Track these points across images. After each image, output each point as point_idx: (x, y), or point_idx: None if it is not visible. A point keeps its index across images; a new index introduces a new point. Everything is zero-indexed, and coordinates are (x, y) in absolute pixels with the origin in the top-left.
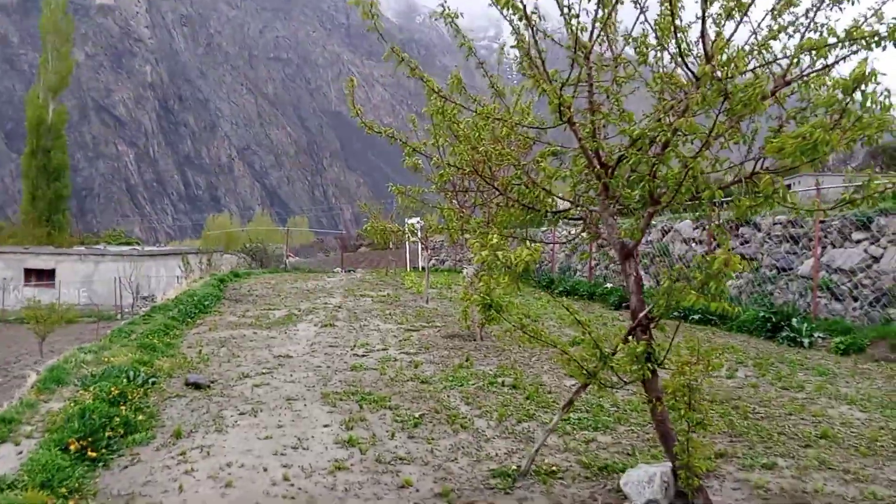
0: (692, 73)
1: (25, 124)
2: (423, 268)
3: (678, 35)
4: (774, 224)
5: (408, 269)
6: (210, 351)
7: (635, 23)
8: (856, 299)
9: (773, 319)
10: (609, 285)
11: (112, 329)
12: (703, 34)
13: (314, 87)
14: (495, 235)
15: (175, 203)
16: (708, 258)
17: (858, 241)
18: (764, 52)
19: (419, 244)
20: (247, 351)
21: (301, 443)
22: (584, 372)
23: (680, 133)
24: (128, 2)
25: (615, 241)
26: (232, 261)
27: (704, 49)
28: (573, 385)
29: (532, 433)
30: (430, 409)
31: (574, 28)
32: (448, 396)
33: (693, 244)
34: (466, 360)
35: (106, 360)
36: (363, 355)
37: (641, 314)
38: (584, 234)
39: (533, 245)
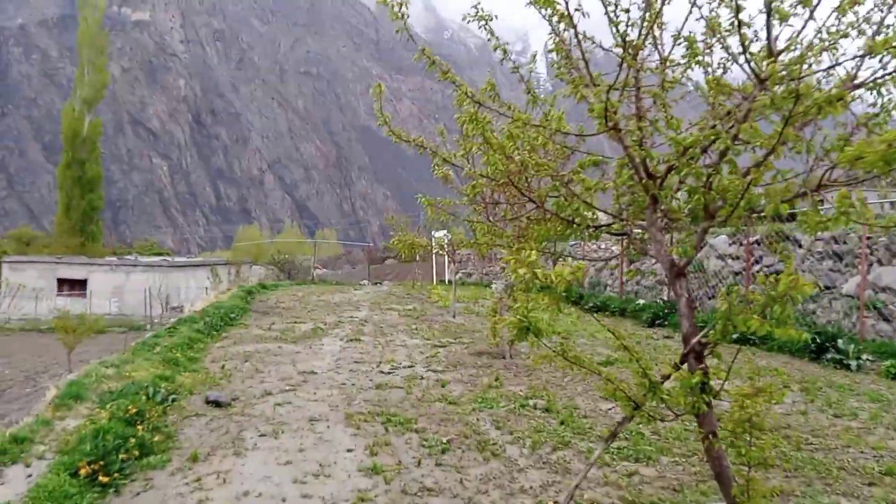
0: (754, 73)
1: (61, 136)
2: (449, 281)
3: (742, 30)
4: (816, 240)
5: (434, 283)
6: (233, 366)
7: (686, 20)
8: None
9: (818, 340)
10: (641, 302)
11: (136, 342)
12: (769, 29)
13: (343, 102)
14: (532, 251)
15: (207, 215)
16: (772, 279)
17: None
18: (832, 51)
19: (446, 257)
20: (271, 366)
21: (323, 469)
22: (631, 402)
23: (740, 141)
24: (163, 17)
25: (665, 259)
26: (260, 272)
27: (769, 46)
28: (610, 409)
29: (568, 463)
30: (459, 433)
31: (622, 25)
32: (477, 420)
33: (729, 260)
34: (496, 380)
35: (127, 374)
36: (389, 372)
37: (694, 339)
38: (617, 250)
39: (575, 262)
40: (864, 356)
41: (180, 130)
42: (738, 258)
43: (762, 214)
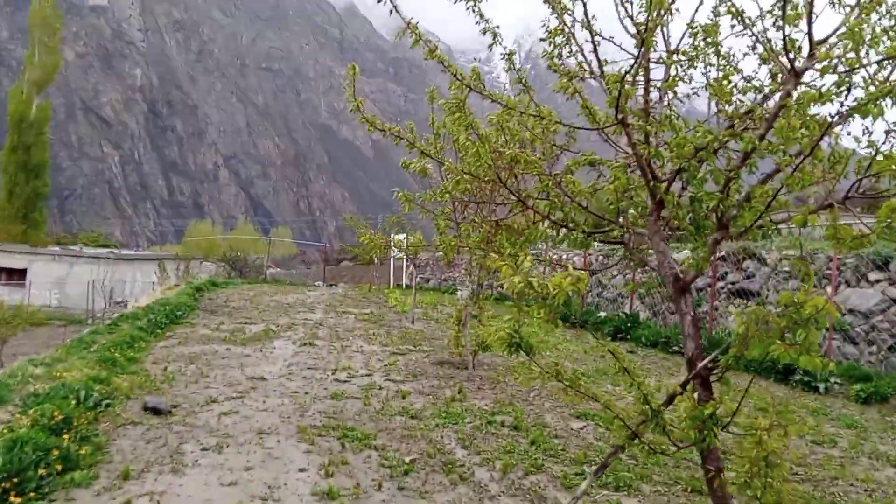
0: (790, 64)
1: (7, 119)
2: (407, 285)
3: (786, 9)
4: (781, 259)
5: (391, 286)
6: (177, 368)
7: (697, 8)
8: (871, 343)
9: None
10: (603, 314)
11: (72, 339)
12: (810, 17)
13: (304, 100)
14: (527, 257)
15: (158, 208)
16: (797, 300)
17: (876, 282)
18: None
19: (404, 261)
20: (217, 370)
21: (272, 492)
22: (628, 431)
23: (766, 141)
24: (121, 3)
25: (668, 272)
26: (211, 269)
27: (810, 35)
28: (582, 428)
29: (543, 490)
30: (422, 451)
31: (635, 5)
32: (441, 437)
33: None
34: (459, 392)
35: (58, 375)
36: (345, 381)
37: (701, 364)
38: (579, 261)
39: (577, 271)
40: (833, 379)
41: (134, 120)
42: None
43: (778, 226)
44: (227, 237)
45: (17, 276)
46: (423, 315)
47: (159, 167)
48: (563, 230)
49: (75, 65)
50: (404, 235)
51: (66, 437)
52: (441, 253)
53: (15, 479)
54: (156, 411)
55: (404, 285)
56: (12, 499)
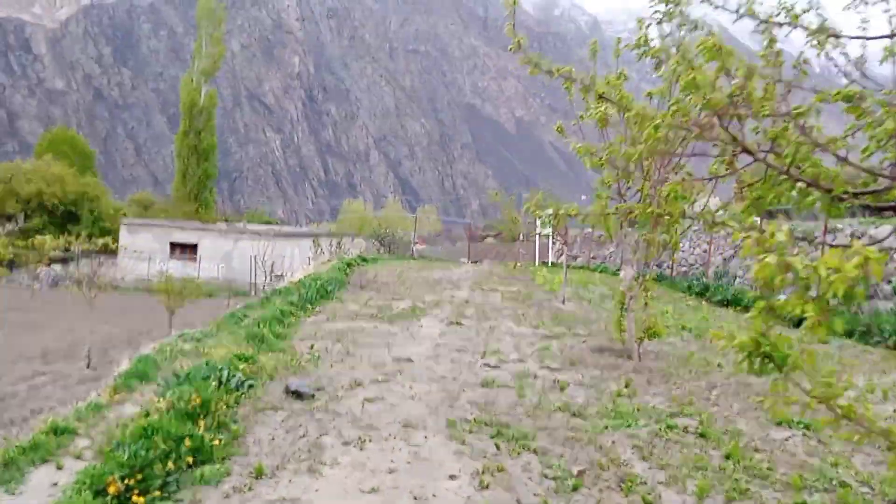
0: None
1: (180, 106)
2: (553, 263)
3: None
4: None
5: (537, 264)
6: (323, 346)
7: None
8: None
9: None
10: (782, 296)
11: (224, 313)
12: None
13: (449, 80)
14: (784, 229)
15: (315, 188)
16: None
17: None
18: None
19: (550, 238)
20: (364, 349)
21: None
22: None
23: None
24: None
25: None
26: (361, 245)
27: None
28: (787, 439)
29: None
30: (591, 461)
31: None
32: (613, 442)
33: None
34: (626, 386)
35: (205, 351)
36: (495, 366)
37: None
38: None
39: (873, 247)
40: None
41: (293, 106)
42: None
43: None
44: (377, 215)
45: (189, 250)
46: (574, 295)
47: (316, 149)
48: (813, 193)
49: (240, 55)
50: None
51: (201, 423)
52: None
53: (139, 476)
54: (298, 395)
55: (550, 263)
56: (135, 498)
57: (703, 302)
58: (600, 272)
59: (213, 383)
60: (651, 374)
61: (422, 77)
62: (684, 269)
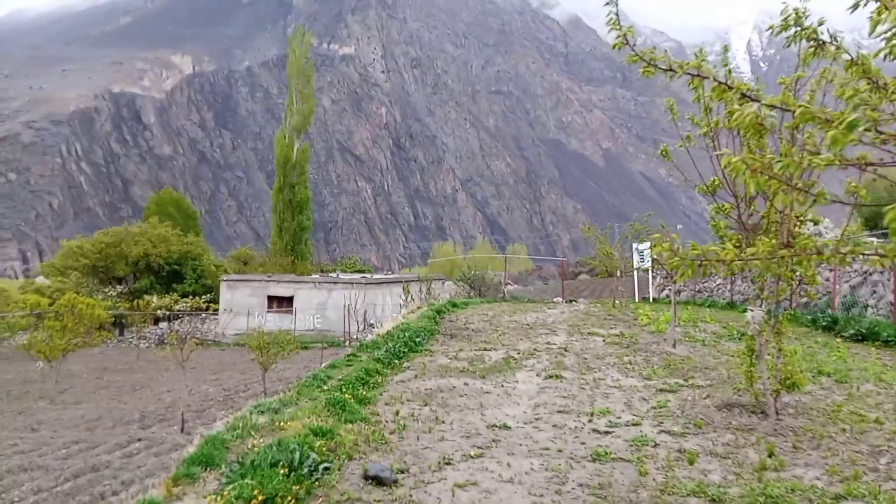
0: None
1: (274, 162)
2: (654, 298)
3: None
4: None
5: (637, 301)
6: (410, 412)
7: None
8: None
9: None
10: None
11: (308, 373)
12: None
13: (533, 118)
14: None
15: (406, 233)
16: None
17: None
18: None
19: (650, 272)
20: (454, 413)
21: None
22: None
23: None
24: (366, 50)
25: None
26: (452, 289)
27: None
28: None
29: None
30: None
31: None
32: None
33: None
34: (770, 456)
35: (280, 426)
36: (606, 432)
37: None
38: None
39: None
40: None
41: (382, 155)
42: None
43: None
44: (467, 256)
45: (285, 303)
46: (684, 335)
47: (405, 195)
48: None
49: (331, 110)
50: (647, 245)
51: None
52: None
53: None
54: (378, 481)
55: (651, 299)
56: None
57: (836, 338)
58: (708, 307)
59: (283, 470)
60: (796, 437)
61: (505, 117)
62: (805, 299)
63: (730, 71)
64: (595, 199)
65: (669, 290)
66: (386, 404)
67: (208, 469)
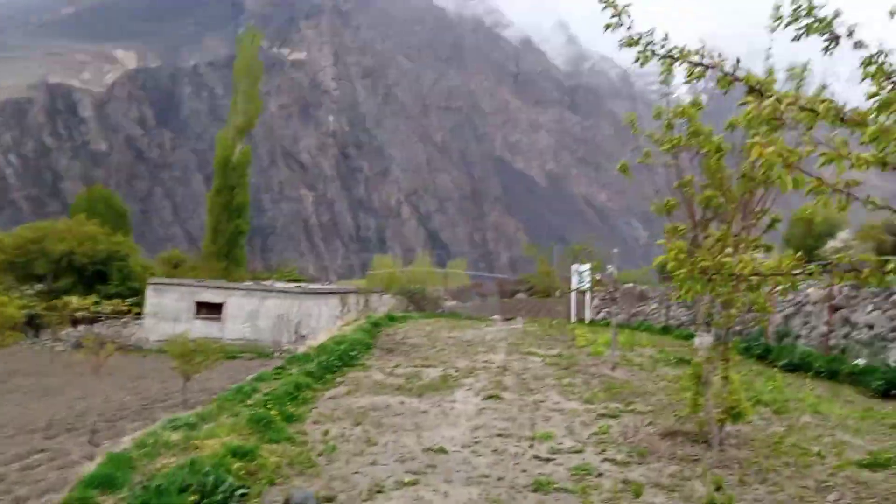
0: None
1: (213, 163)
2: (592, 320)
3: None
4: None
5: (573, 321)
6: (340, 432)
7: None
8: None
9: None
10: (861, 362)
11: (231, 386)
12: None
13: (481, 134)
14: None
15: (346, 243)
16: None
17: None
18: None
19: (587, 294)
20: (388, 434)
21: None
22: None
23: None
24: (317, 56)
25: None
26: (390, 302)
27: None
28: None
29: None
30: None
31: None
32: None
33: None
34: (717, 490)
35: (195, 444)
36: (548, 458)
37: None
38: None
39: None
40: None
41: (327, 163)
42: None
43: None
44: (406, 270)
45: (215, 310)
46: (622, 359)
47: (348, 205)
48: None
49: (277, 115)
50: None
51: None
52: (676, 285)
53: None
54: None
55: (587, 320)
56: None
57: (769, 367)
58: (644, 330)
59: (192, 498)
60: (742, 470)
61: (454, 132)
62: (738, 327)
63: (738, 61)
64: (536, 218)
65: (607, 312)
66: (315, 423)
67: (108, 492)
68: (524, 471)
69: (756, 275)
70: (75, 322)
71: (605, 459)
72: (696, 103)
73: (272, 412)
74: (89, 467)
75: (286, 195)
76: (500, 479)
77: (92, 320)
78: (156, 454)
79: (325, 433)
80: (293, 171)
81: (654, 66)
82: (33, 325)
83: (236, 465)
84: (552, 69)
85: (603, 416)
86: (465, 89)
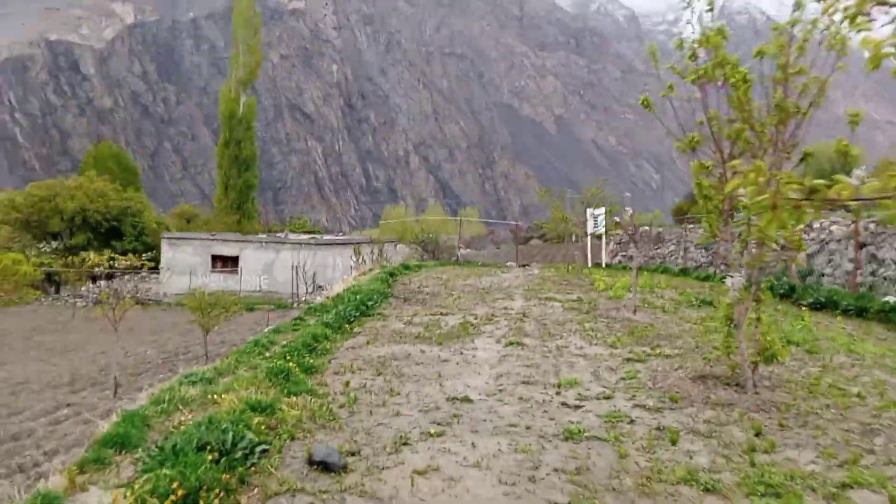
0: None
1: (219, 117)
2: (607, 264)
3: None
4: None
5: (589, 266)
6: (361, 383)
7: None
8: None
9: None
10: (891, 299)
11: (248, 339)
12: None
13: (487, 81)
14: None
15: (357, 195)
16: None
17: None
18: None
19: (603, 238)
20: (410, 383)
21: None
22: None
23: None
24: (316, 4)
25: None
26: (404, 252)
27: None
28: None
29: None
30: None
31: None
32: None
33: None
34: (757, 435)
35: (213, 399)
36: (576, 405)
37: None
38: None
39: None
40: None
41: (333, 114)
42: None
43: None
44: (420, 219)
45: (230, 263)
46: (642, 302)
47: (356, 156)
48: None
49: (280, 66)
50: (602, 210)
51: None
52: (703, 224)
53: None
54: (325, 466)
55: (604, 264)
56: None
57: (794, 306)
58: (662, 273)
59: (211, 455)
60: (780, 413)
61: (459, 80)
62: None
63: None
64: (546, 165)
65: (623, 255)
66: (335, 374)
67: (124, 452)
68: (552, 419)
69: (856, 199)
70: (94, 278)
71: (636, 405)
72: (720, 31)
73: (291, 364)
74: (103, 426)
75: (294, 147)
76: (528, 428)
77: (110, 276)
78: (173, 410)
79: (346, 384)
80: (299, 123)
81: (662, 3)
82: (53, 282)
83: (256, 420)
84: (557, 11)
85: (629, 360)
86: (468, 35)
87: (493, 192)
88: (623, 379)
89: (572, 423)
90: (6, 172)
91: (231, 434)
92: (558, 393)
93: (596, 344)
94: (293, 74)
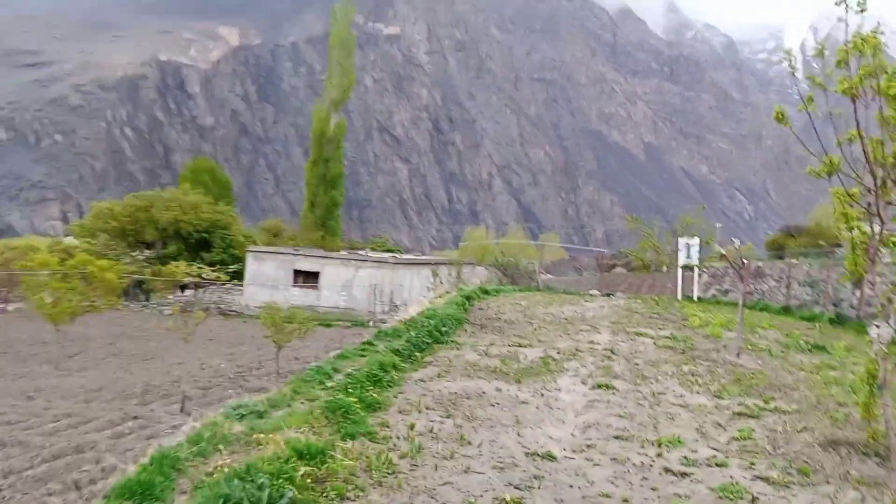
0: None
1: (310, 135)
2: (699, 297)
3: None
4: None
5: (679, 299)
6: (428, 426)
7: None
8: None
9: None
10: None
11: (311, 365)
12: None
13: (575, 107)
14: None
15: (439, 216)
16: None
17: None
18: None
19: (695, 269)
20: (484, 430)
21: None
22: None
23: None
24: (411, 30)
25: None
26: (483, 274)
27: None
28: None
29: None
30: None
31: None
32: None
33: None
34: None
35: (258, 438)
36: (682, 473)
37: None
38: None
39: None
40: None
41: (420, 137)
42: None
43: None
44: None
45: (311, 278)
46: (745, 342)
47: (440, 178)
48: None
49: (373, 90)
50: (696, 240)
51: None
52: (846, 262)
53: None
54: None
55: (695, 297)
56: None
57: None
58: (761, 310)
59: None
60: None
61: (547, 105)
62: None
63: None
64: (633, 192)
65: (717, 290)
66: (400, 412)
67: (147, 501)
68: (654, 489)
69: None
70: (183, 287)
71: (757, 477)
72: (876, 32)
73: (351, 399)
74: (127, 470)
75: (381, 168)
76: (625, 502)
77: (198, 285)
78: (211, 452)
79: (411, 427)
80: (388, 145)
81: (763, 31)
82: (143, 290)
83: (302, 470)
84: (651, 38)
85: (740, 415)
86: (558, 61)
87: (576, 217)
88: (736, 439)
89: (679, 497)
90: (113, 183)
91: (268, 491)
92: (659, 455)
93: (698, 392)
94: (385, 98)
